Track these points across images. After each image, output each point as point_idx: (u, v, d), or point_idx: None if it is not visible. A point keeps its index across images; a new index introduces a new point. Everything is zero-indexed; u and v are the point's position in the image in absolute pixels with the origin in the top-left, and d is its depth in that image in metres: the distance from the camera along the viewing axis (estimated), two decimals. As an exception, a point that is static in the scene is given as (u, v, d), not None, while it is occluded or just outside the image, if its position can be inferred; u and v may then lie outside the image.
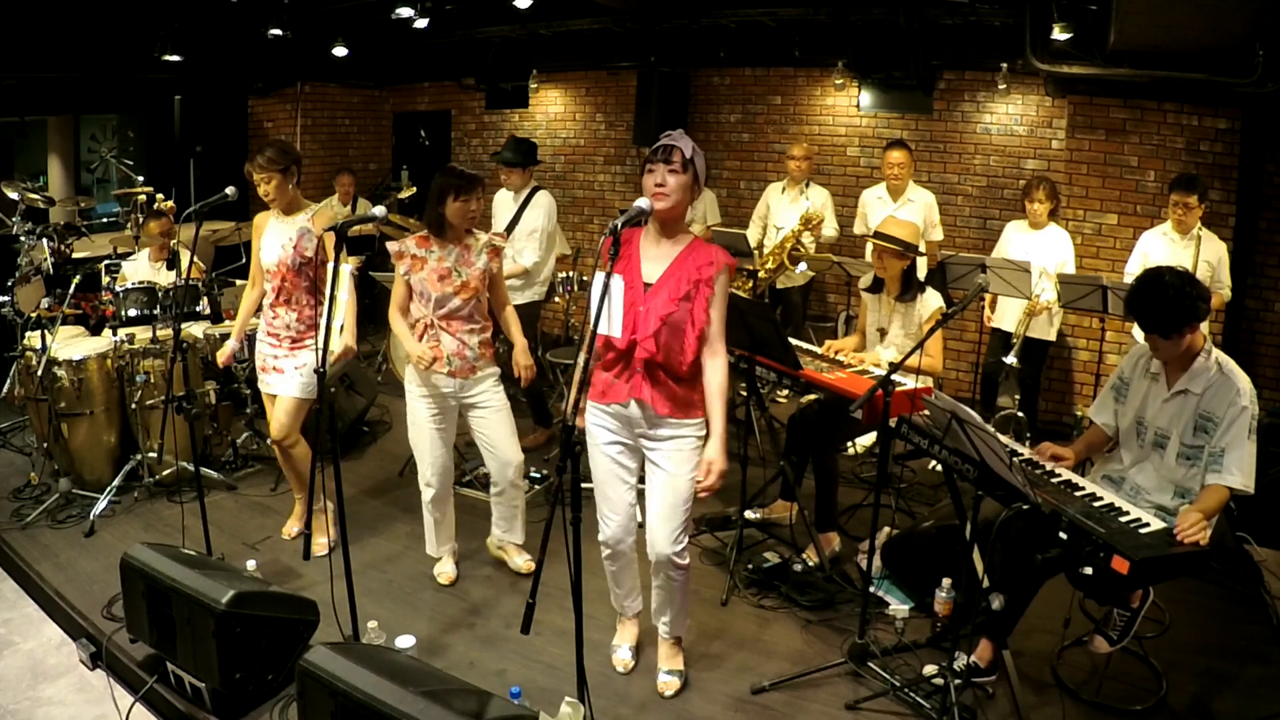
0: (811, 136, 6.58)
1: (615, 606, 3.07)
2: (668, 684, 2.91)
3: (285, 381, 3.58)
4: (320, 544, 3.73)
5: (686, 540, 2.75)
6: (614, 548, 2.84)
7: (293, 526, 3.97)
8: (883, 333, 3.82)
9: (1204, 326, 4.47)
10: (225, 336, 4.54)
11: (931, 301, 3.66)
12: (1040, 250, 4.88)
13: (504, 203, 5.00)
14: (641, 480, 2.82)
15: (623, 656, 3.04)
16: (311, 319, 3.57)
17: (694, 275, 2.58)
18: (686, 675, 2.96)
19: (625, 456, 2.76)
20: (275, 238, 3.53)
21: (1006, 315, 5.06)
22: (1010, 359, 4.78)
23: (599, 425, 2.75)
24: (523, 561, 3.65)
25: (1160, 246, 4.53)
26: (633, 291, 2.60)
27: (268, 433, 4.79)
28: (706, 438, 2.66)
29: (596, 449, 2.77)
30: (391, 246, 3.33)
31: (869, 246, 5.63)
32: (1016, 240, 5.04)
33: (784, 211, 5.78)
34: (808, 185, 5.78)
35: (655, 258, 2.64)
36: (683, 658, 2.99)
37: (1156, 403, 2.79)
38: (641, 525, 2.94)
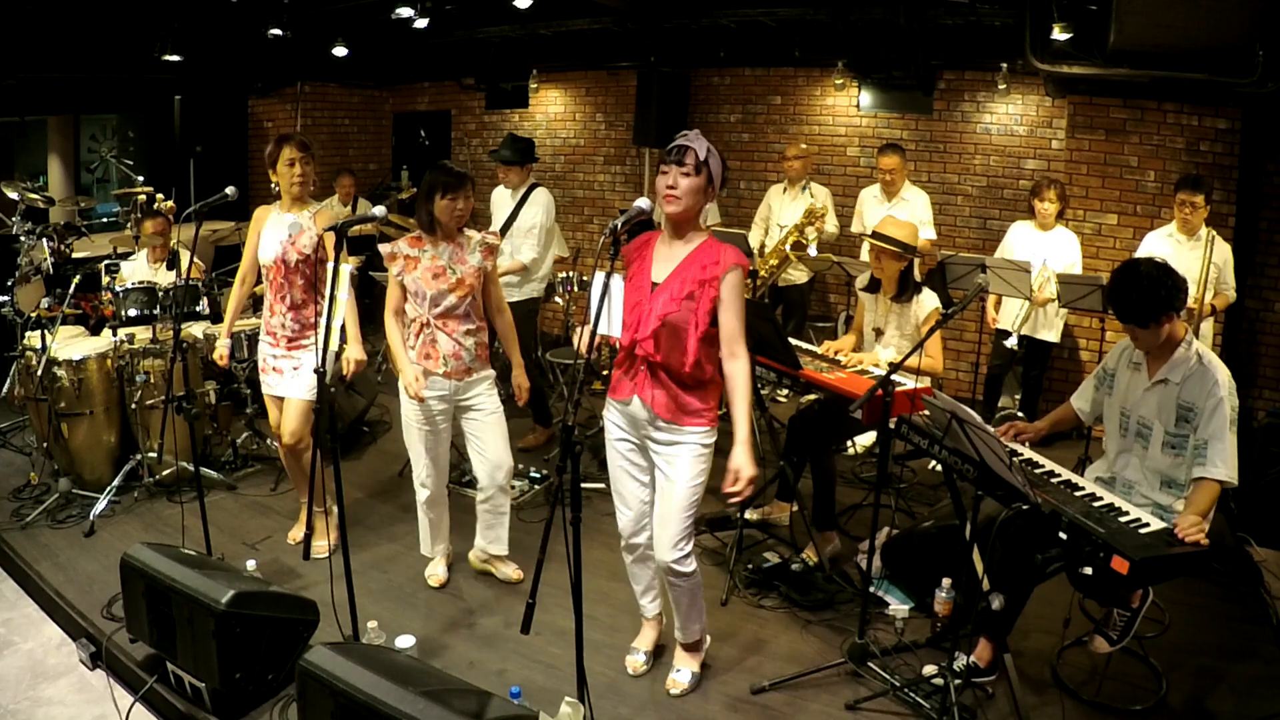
0: (811, 136, 6.59)
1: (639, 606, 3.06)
2: (673, 682, 2.90)
3: (291, 383, 3.55)
4: (320, 546, 3.71)
5: (689, 547, 2.71)
6: (628, 539, 2.85)
7: (299, 531, 3.91)
8: (879, 332, 3.82)
9: (1205, 326, 4.52)
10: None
11: (928, 302, 3.66)
12: (1049, 251, 4.89)
13: (502, 200, 5.00)
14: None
15: (635, 660, 3.02)
16: (308, 318, 3.55)
17: (699, 276, 2.54)
18: (699, 677, 2.94)
19: (635, 454, 2.77)
20: (275, 233, 3.50)
21: (1010, 316, 5.06)
22: (1011, 342, 4.80)
23: (611, 420, 2.77)
24: (511, 571, 3.60)
25: (1165, 248, 4.50)
26: (640, 292, 2.60)
27: (268, 432, 4.82)
28: (730, 445, 2.57)
29: (610, 444, 2.79)
30: (384, 248, 3.27)
31: (865, 245, 5.67)
32: (1024, 240, 5.04)
33: (786, 211, 5.79)
34: (808, 184, 5.79)
35: (666, 259, 2.63)
36: (699, 660, 2.97)
37: (1138, 392, 2.82)
38: None
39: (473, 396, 3.35)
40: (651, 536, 2.83)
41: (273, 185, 3.55)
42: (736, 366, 2.56)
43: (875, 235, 3.68)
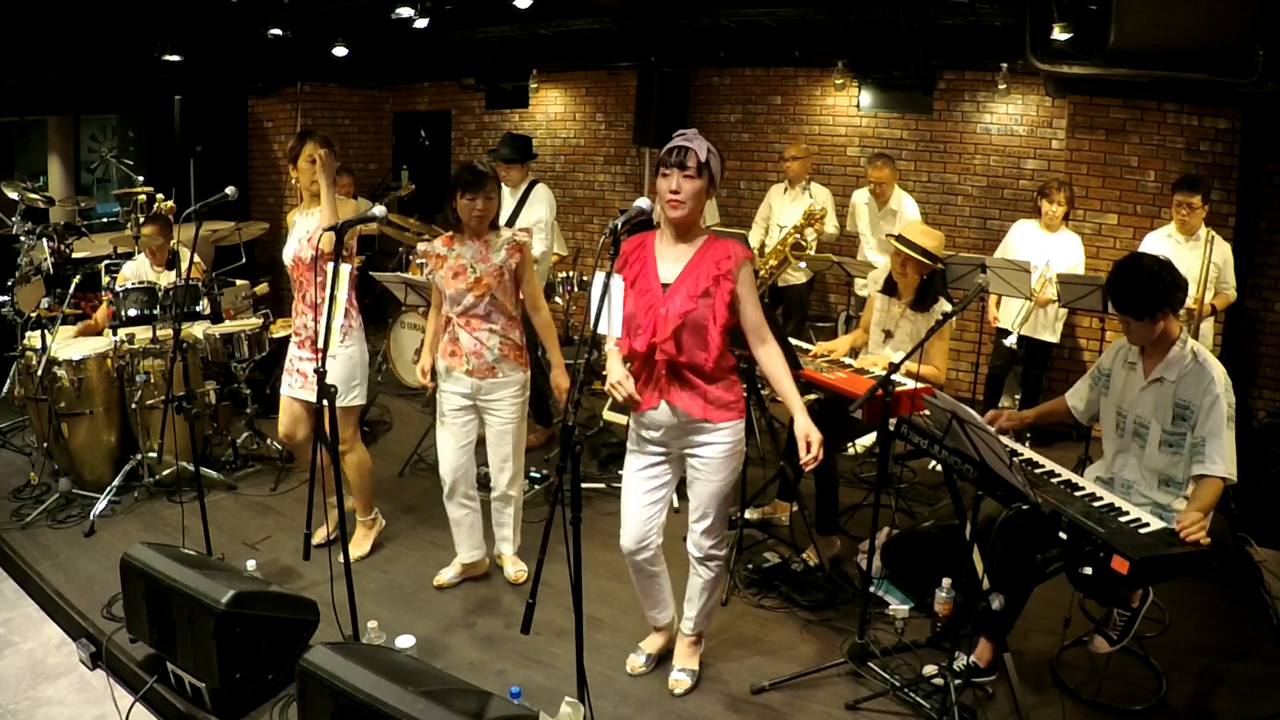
0: (811, 136, 6.59)
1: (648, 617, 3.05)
2: (678, 682, 2.90)
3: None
4: (318, 535, 3.71)
5: (723, 532, 2.78)
6: (630, 556, 2.79)
7: (366, 544, 3.80)
8: (887, 334, 3.82)
9: (1206, 326, 4.52)
10: (226, 337, 4.57)
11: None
12: (1054, 253, 4.89)
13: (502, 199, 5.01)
14: (681, 484, 2.82)
15: (636, 660, 3.01)
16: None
17: (713, 271, 2.53)
18: (699, 676, 2.95)
19: (657, 467, 2.72)
20: (296, 232, 3.50)
21: (1011, 315, 5.06)
22: (1010, 340, 4.81)
23: (635, 434, 2.73)
24: (514, 572, 3.60)
25: (1164, 249, 4.49)
26: (650, 295, 2.56)
27: (269, 432, 4.82)
28: (745, 437, 2.73)
29: (630, 455, 2.76)
30: (420, 248, 3.39)
31: (862, 246, 5.71)
32: (1028, 240, 5.03)
33: (786, 211, 5.81)
34: (809, 184, 5.80)
35: (671, 259, 2.60)
36: (699, 658, 2.98)
37: (1134, 391, 2.82)
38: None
39: (495, 399, 3.33)
40: (656, 552, 2.81)
41: (293, 181, 3.55)
42: (769, 350, 2.63)
43: (901, 240, 3.64)
